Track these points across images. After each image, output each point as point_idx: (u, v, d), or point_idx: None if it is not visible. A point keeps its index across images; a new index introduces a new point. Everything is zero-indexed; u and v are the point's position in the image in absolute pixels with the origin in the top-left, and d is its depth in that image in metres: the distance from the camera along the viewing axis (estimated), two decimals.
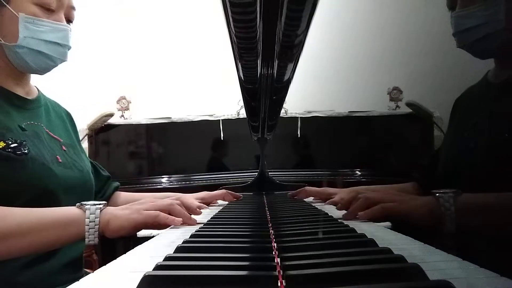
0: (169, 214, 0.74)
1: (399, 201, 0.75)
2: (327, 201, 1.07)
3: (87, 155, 1.07)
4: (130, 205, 0.76)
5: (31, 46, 0.81)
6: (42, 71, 0.87)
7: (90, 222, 0.68)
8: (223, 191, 1.22)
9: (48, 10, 0.83)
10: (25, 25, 0.80)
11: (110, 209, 0.73)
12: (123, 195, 1.12)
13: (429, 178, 1.09)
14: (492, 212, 0.71)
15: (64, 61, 0.89)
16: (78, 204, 0.71)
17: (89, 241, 0.69)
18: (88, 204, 0.70)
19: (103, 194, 1.06)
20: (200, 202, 1.00)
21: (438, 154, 1.09)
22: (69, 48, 0.88)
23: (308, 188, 1.24)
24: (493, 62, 0.90)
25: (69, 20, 0.89)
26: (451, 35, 0.89)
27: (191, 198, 1.00)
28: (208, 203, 1.13)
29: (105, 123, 2.03)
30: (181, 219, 0.74)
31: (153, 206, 0.74)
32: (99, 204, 0.71)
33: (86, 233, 0.68)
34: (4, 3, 0.78)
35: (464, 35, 0.84)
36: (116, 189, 1.10)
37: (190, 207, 0.86)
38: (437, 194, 0.72)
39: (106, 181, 1.09)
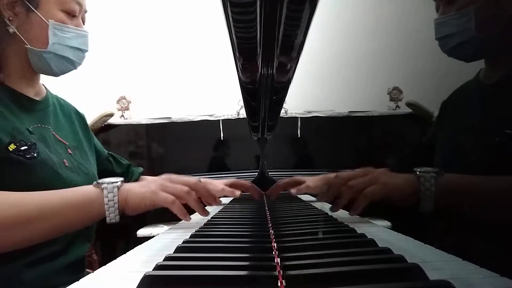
0: (185, 201, 0.75)
1: (380, 184, 0.74)
2: (297, 189, 1.08)
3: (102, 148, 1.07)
4: (149, 182, 0.76)
5: (58, 51, 0.83)
6: (60, 73, 0.89)
7: (109, 201, 0.69)
8: (251, 184, 1.22)
9: (72, 16, 0.85)
10: (54, 32, 0.82)
11: (127, 185, 0.73)
12: (149, 178, 1.13)
13: (402, 167, 1.10)
14: (474, 195, 0.71)
15: (80, 64, 0.91)
16: (95, 182, 0.71)
17: (110, 219, 0.69)
18: (105, 182, 0.70)
19: (129, 180, 1.08)
20: (228, 187, 1.05)
21: (418, 147, 1.10)
22: (87, 51, 0.91)
23: (278, 182, 1.23)
24: (484, 62, 0.90)
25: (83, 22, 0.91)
26: None
27: (219, 184, 1.05)
28: (236, 188, 1.13)
29: (105, 123, 2.03)
30: (190, 217, 0.75)
31: (173, 189, 0.74)
32: (116, 181, 0.71)
33: (106, 212, 0.69)
34: (34, 9, 0.79)
35: (443, 41, 0.87)
36: (141, 174, 1.13)
37: (210, 196, 0.86)
38: (418, 173, 0.72)
39: (128, 168, 1.10)
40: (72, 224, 0.70)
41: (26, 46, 0.81)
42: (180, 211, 0.73)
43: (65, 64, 0.87)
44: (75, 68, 0.90)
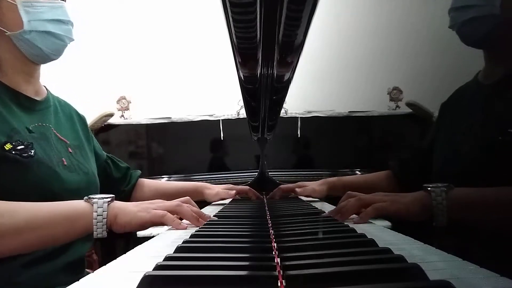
0: (178, 214, 0.75)
1: (390, 201, 0.75)
2: (303, 189, 1.18)
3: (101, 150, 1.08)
4: (140, 203, 0.77)
5: (38, 28, 0.82)
6: (55, 54, 0.87)
7: (98, 216, 0.69)
8: (247, 187, 1.26)
9: None
10: (25, 10, 0.81)
11: (118, 203, 0.74)
12: (147, 181, 1.16)
13: (405, 170, 1.11)
14: (486, 207, 0.71)
15: (72, 39, 0.90)
16: (86, 198, 0.72)
17: (97, 234, 0.70)
18: (96, 198, 0.71)
19: (128, 183, 1.09)
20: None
21: (419, 150, 1.11)
22: (72, 24, 0.89)
23: (282, 186, 1.29)
24: (484, 61, 0.89)
25: None
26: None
27: (215, 188, 1.14)
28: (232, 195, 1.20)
29: (105, 123, 2.03)
30: (185, 225, 0.74)
31: (162, 206, 0.75)
32: (107, 197, 0.72)
33: (94, 226, 0.69)
34: None
35: (457, 13, 0.83)
36: (139, 177, 1.14)
37: (200, 212, 0.83)
38: (429, 188, 0.72)
39: (126, 171, 1.11)
40: (59, 237, 0.70)
41: (6, 34, 0.80)
42: (173, 221, 0.73)
43: (52, 41, 0.85)
44: (65, 43, 0.88)
